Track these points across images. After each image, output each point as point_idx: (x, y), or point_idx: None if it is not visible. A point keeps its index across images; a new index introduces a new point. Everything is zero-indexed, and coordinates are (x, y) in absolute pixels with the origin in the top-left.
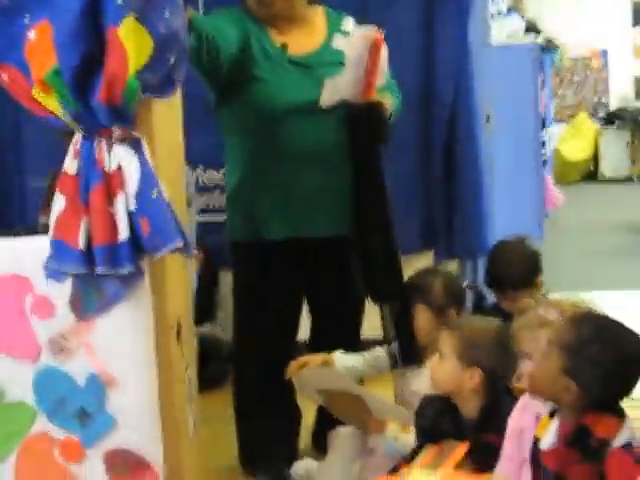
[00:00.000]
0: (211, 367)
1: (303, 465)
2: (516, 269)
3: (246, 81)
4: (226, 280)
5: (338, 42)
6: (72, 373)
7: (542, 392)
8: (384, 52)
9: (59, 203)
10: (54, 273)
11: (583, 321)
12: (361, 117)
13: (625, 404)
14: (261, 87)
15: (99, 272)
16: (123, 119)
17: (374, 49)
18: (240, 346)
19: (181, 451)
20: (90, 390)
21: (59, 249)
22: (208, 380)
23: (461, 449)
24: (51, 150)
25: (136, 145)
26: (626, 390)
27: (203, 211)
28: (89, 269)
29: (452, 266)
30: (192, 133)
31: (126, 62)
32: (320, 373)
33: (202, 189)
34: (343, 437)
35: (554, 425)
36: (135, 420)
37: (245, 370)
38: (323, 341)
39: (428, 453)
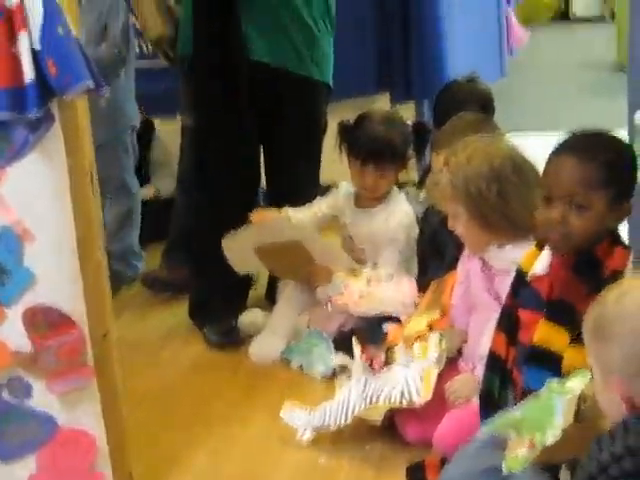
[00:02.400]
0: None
1: (250, 316)
2: (466, 109)
3: None
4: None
5: None
6: None
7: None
8: None
9: None
10: None
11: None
12: None
13: None
14: None
15: (4, 118)
16: None
17: None
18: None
19: (104, 301)
20: (5, 244)
21: None
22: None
23: (450, 280)
24: None
25: None
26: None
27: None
28: None
29: (409, 107)
30: None
31: None
32: (260, 227)
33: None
34: (291, 288)
35: (545, 255)
36: (54, 274)
37: (201, 220)
38: (278, 183)
39: (427, 295)
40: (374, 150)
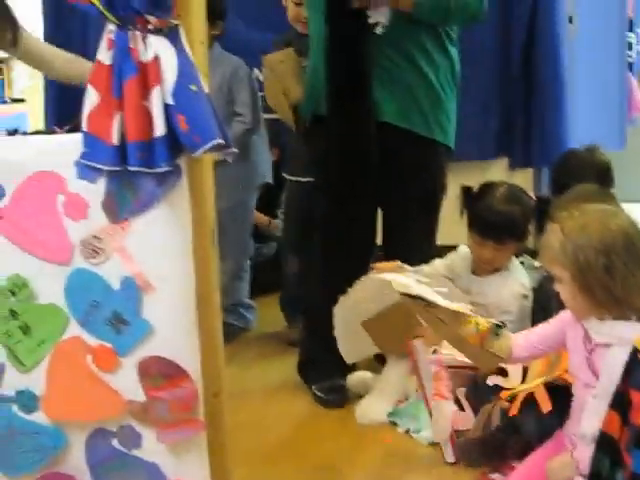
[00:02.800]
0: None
1: (359, 376)
2: (584, 180)
3: None
4: None
5: None
6: (106, 276)
7: None
8: None
9: (91, 96)
10: (87, 170)
11: None
12: None
13: None
14: None
15: (133, 170)
16: (159, 6)
17: None
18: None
19: (218, 360)
20: (125, 294)
21: (92, 145)
22: (272, 285)
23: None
24: None
25: (174, 35)
26: None
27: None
28: (123, 166)
29: (527, 173)
30: (253, 29)
31: None
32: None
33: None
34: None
35: None
36: (172, 327)
37: (312, 279)
38: (395, 241)
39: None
40: (495, 227)
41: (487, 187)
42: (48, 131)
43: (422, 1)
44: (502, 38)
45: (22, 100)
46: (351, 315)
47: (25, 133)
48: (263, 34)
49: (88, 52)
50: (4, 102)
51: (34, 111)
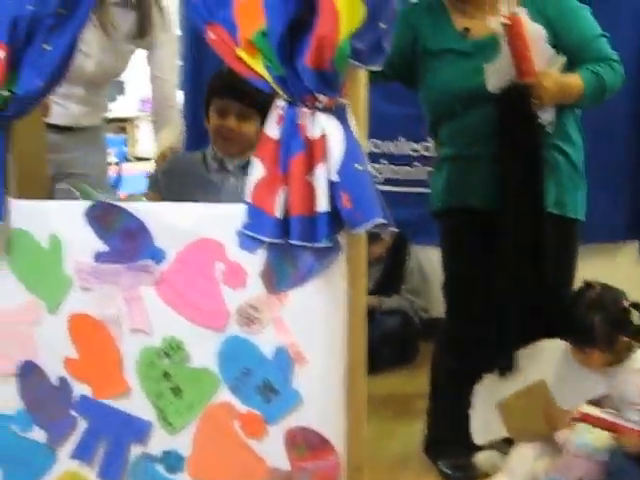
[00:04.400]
0: (399, 345)
1: (487, 454)
2: None
3: (419, 73)
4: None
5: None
6: (260, 345)
7: None
8: (531, 33)
9: (257, 169)
10: (248, 240)
11: None
12: (504, 99)
13: None
14: (431, 77)
15: (294, 243)
16: (330, 86)
17: (511, 34)
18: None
19: (362, 433)
20: (277, 363)
21: (255, 216)
22: (395, 358)
23: None
24: None
25: (341, 114)
26: None
27: (400, 182)
28: (284, 239)
29: None
30: (391, 104)
31: (338, 26)
32: None
33: (401, 159)
34: None
35: None
36: (321, 399)
37: (439, 355)
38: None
39: None
40: (574, 332)
41: (585, 286)
42: None
43: (588, 93)
44: (637, 112)
45: (147, 159)
46: (490, 394)
47: None
48: (397, 107)
49: None
50: (127, 160)
51: None
